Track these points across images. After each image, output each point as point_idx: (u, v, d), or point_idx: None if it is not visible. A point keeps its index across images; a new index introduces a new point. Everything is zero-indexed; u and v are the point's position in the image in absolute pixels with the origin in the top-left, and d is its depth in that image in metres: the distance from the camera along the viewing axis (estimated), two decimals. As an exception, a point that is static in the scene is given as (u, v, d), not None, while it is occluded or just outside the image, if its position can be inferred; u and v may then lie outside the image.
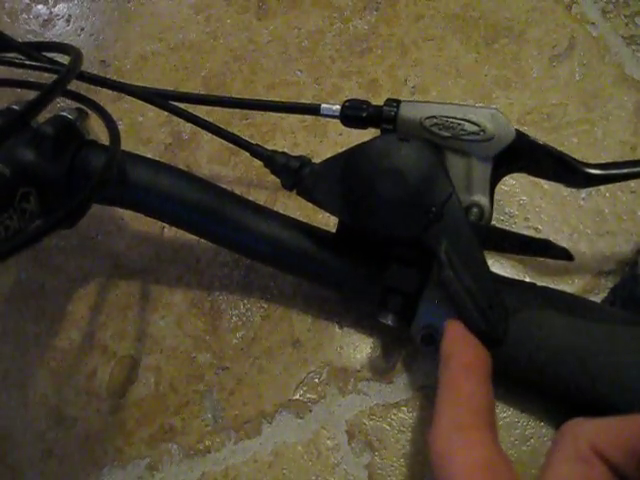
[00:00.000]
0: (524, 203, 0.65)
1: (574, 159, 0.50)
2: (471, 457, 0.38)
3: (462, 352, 0.44)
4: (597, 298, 0.60)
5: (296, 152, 0.56)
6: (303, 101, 0.72)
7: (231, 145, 0.59)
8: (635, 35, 0.74)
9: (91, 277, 0.68)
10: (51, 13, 0.88)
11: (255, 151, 0.57)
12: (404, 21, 0.79)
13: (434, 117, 0.49)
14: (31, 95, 0.45)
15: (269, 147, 0.57)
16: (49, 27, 0.87)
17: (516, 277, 0.61)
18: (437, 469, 0.39)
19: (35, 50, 0.62)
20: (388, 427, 0.58)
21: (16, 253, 0.43)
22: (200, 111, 0.62)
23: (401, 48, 0.77)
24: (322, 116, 0.56)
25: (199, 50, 0.81)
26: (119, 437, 0.61)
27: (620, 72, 0.72)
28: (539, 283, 0.52)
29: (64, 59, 0.54)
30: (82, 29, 0.86)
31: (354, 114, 0.54)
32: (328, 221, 0.64)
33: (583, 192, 0.65)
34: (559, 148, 0.50)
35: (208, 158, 0.73)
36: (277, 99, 0.66)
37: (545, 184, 0.65)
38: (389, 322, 0.51)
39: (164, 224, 0.67)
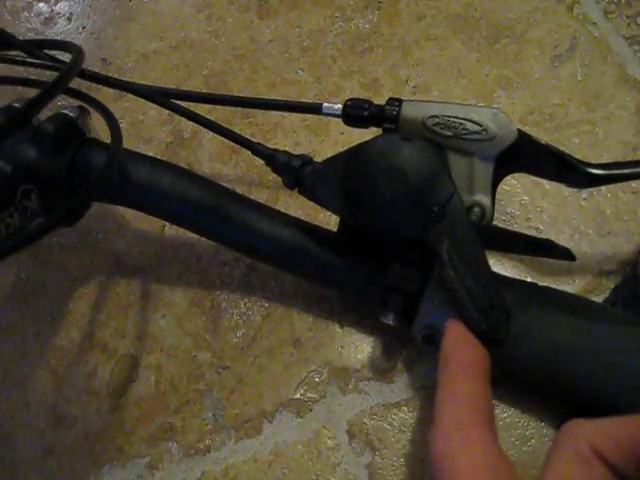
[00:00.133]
0: (525, 203, 0.65)
1: (576, 159, 0.50)
2: (472, 457, 0.38)
3: (461, 352, 0.44)
4: (598, 298, 0.60)
5: (297, 151, 0.56)
6: (305, 100, 0.72)
7: (232, 144, 0.59)
8: (637, 35, 0.74)
9: (91, 275, 0.68)
10: (52, 11, 0.88)
11: (257, 150, 0.57)
12: (406, 20, 0.79)
13: (436, 116, 0.49)
14: (32, 93, 0.45)
15: (270, 146, 0.57)
16: (50, 25, 0.87)
17: (517, 277, 0.61)
18: (438, 470, 0.39)
19: (36, 48, 0.62)
20: (389, 427, 0.58)
21: (17, 251, 0.43)
22: (201, 110, 0.62)
23: (403, 48, 0.77)
24: (324, 115, 0.56)
25: (200, 49, 0.81)
26: (119, 436, 0.61)
27: (622, 72, 0.72)
28: (540, 283, 0.52)
29: (66, 57, 0.54)
30: (83, 27, 0.86)
31: (356, 113, 0.54)
32: (329, 220, 0.64)
33: (584, 192, 0.65)
34: (561, 148, 0.50)
35: (209, 157, 0.73)
36: (278, 98, 0.66)
37: (546, 184, 0.65)
38: (390, 322, 0.51)
39: (165, 222, 0.67)
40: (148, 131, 0.76)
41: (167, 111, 0.62)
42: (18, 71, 0.69)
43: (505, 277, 0.53)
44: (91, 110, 0.59)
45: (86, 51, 0.53)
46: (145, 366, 0.63)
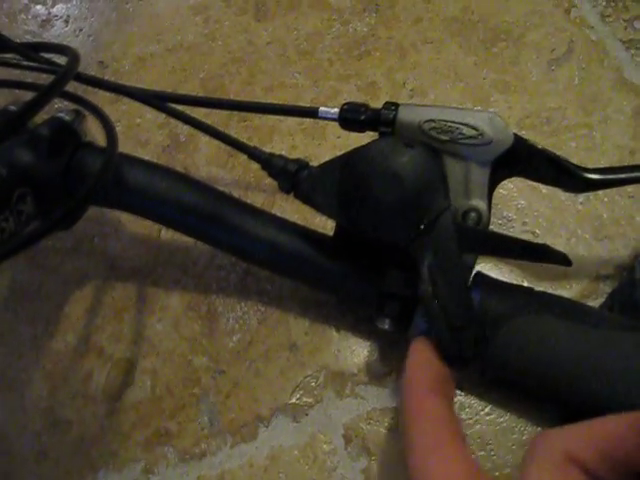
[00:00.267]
0: (522, 207, 0.65)
1: (573, 164, 0.50)
2: (450, 471, 0.38)
3: (424, 374, 0.44)
4: (595, 303, 0.60)
5: (294, 155, 0.56)
6: (301, 104, 0.72)
7: (229, 147, 0.58)
8: (634, 39, 0.74)
9: (87, 279, 0.68)
10: (49, 14, 0.88)
11: (253, 154, 0.57)
12: (403, 24, 0.79)
13: (432, 121, 0.49)
14: (28, 96, 0.45)
15: (267, 150, 0.57)
16: (47, 28, 0.87)
17: (514, 281, 0.60)
18: None
19: (32, 51, 0.62)
20: (385, 431, 0.57)
21: (12, 255, 0.43)
22: (198, 113, 0.62)
23: (400, 51, 0.77)
24: (320, 119, 0.56)
25: (197, 52, 0.81)
26: (115, 440, 0.61)
27: (619, 76, 0.72)
28: (537, 288, 0.52)
29: (62, 60, 0.54)
30: (80, 30, 0.86)
31: (352, 117, 0.54)
32: (326, 224, 0.64)
33: (581, 197, 0.65)
34: (558, 152, 0.50)
35: (206, 160, 0.73)
36: (275, 102, 0.66)
37: (543, 188, 0.65)
38: (386, 327, 0.51)
39: (161, 226, 0.67)
40: (145, 134, 0.76)
41: (164, 114, 0.61)
42: (14, 74, 0.69)
43: (501, 282, 0.53)
44: (87, 113, 0.59)
45: (83, 54, 0.53)
46: (141, 370, 0.63)
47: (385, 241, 0.48)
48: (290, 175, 0.54)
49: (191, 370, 0.62)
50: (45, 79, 0.50)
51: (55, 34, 0.86)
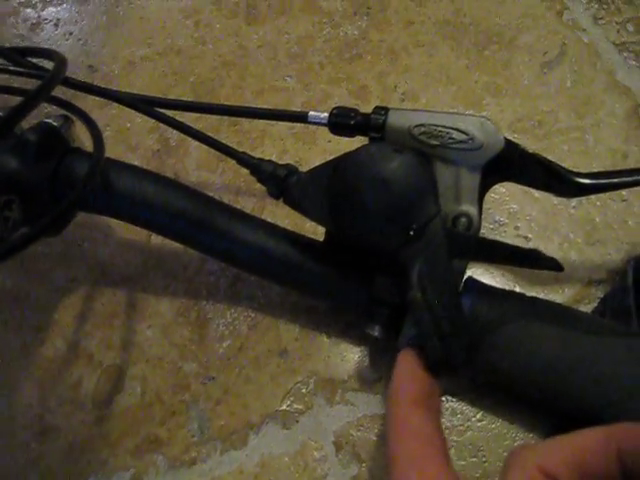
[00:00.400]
0: (514, 211, 0.65)
1: (564, 168, 0.50)
2: None
3: (410, 388, 0.44)
4: (587, 308, 0.60)
5: (285, 159, 0.56)
6: (291, 108, 0.72)
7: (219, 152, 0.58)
8: (627, 42, 0.74)
9: (77, 285, 0.67)
10: (39, 17, 0.88)
11: (242, 159, 0.56)
12: (394, 27, 0.79)
13: (422, 125, 0.49)
14: (15, 101, 0.44)
15: (258, 154, 0.56)
16: (37, 31, 0.87)
17: (506, 286, 0.60)
18: None
19: (20, 55, 0.61)
20: (376, 438, 0.57)
21: (0, 262, 0.42)
22: (188, 117, 0.62)
23: (391, 54, 0.77)
24: (310, 124, 0.56)
25: (188, 55, 0.81)
26: (104, 448, 0.60)
27: (611, 79, 0.72)
28: (529, 292, 0.52)
29: (51, 65, 0.53)
30: (70, 33, 0.85)
31: (342, 122, 0.53)
32: (316, 229, 0.63)
33: (574, 201, 0.65)
34: (550, 156, 0.50)
35: (196, 165, 0.72)
36: (266, 105, 0.66)
37: (535, 192, 0.64)
38: (375, 333, 0.50)
39: (151, 232, 0.66)
40: (134, 139, 0.75)
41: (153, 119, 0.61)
42: (2, 79, 0.68)
43: (493, 288, 0.53)
44: (75, 119, 0.58)
45: (72, 58, 0.53)
46: (131, 377, 0.63)
47: (375, 247, 0.48)
48: (279, 180, 0.53)
49: (181, 376, 0.62)
50: (34, 84, 0.49)
51: (45, 37, 0.86)
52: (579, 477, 0.34)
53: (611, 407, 0.45)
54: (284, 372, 0.61)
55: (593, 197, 0.64)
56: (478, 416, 0.56)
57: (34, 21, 0.87)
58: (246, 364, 0.61)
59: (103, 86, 0.63)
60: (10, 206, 0.52)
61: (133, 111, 0.60)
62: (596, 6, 0.77)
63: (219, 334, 0.63)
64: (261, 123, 0.73)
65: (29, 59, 0.62)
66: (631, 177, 0.50)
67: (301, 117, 0.56)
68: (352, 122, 0.53)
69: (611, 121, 0.69)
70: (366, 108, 0.53)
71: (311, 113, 0.55)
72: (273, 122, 0.73)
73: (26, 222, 0.54)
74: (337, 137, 0.55)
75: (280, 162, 0.55)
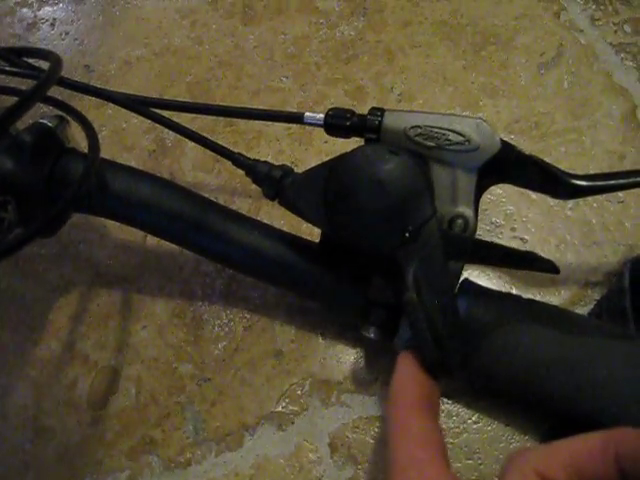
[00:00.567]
0: (511, 213, 0.65)
1: (560, 170, 0.49)
2: None
3: (410, 390, 0.44)
4: (584, 309, 0.59)
5: (281, 160, 0.56)
6: (287, 109, 0.72)
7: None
8: (624, 43, 0.74)
9: (72, 286, 0.67)
10: (36, 17, 0.88)
11: (237, 160, 0.56)
12: (391, 27, 0.79)
13: (418, 127, 0.49)
14: (10, 101, 0.44)
15: (254, 155, 0.56)
16: (33, 31, 0.86)
17: (502, 288, 0.60)
18: None
19: (15, 55, 0.61)
20: (371, 440, 0.57)
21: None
22: (184, 118, 0.61)
23: (388, 55, 0.77)
24: (306, 125, 0.56)
25: (184, 55, 0.80)
26: (99, 449, 0.60)
27: (609, 80, 0.72)
28: (525, 294, 0.52)
29: (47, 65, 0.53)
30: (66, 33, 0.85)
31: (338, 123, 0.53)
32: (312, 230, 0.63)
33: (570, 202, 0.64)
34: (547, 157, 0.49)
35: (192, 165, 0.72)
36: (262, 106, 0.65)
37: (532, 194, 0.64)
38: (372, 335, 0.50)
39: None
40: (130, 139, 0.75)
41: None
42: (-2, 79, 0.68)
43: (489, 289, 0.53)
44: (70, 119, 0.58)
45: (69, 57, 0.53)
46: (126, 378, 0.63)
47: (371, 249, 0.47)
48: (274, 182, 0.53)
49: (176, 378, 0.62)
50: (29, 84, 0.49)
51: (41, 37, 0.86)
52: None
53: (607, 410, 0.45)
54: (279, 373, 0.61)
55: (590, 199, 0.64)
56: (474, 418, 0.56)
57: (30, 21, 0.87)
58: (241, 365, 0.61)
59: (99, 86, 0.63)
60: (5, 207, 0.52)
61: (129, 111, 0.60)
62: (593, 7, 0.77)
63: (214, 335, 0.63)
64: (257, 124, 0.73)
65: (25, 59, 0.62)
66: (628, 179, 0.50)
67: (297, 118, 0.56)
68: (348, 123, 0.53)
69: (608, 122, 0.69)
70: (362, 109, 0.53)
71: (307, 114, 0.55)
72: (269, 123, 0.72)
73: (21, 223, 0.54)
74: (333, 138, 0.55)
75: (276, 163, 0.55)
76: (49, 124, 0.56)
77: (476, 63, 0.75)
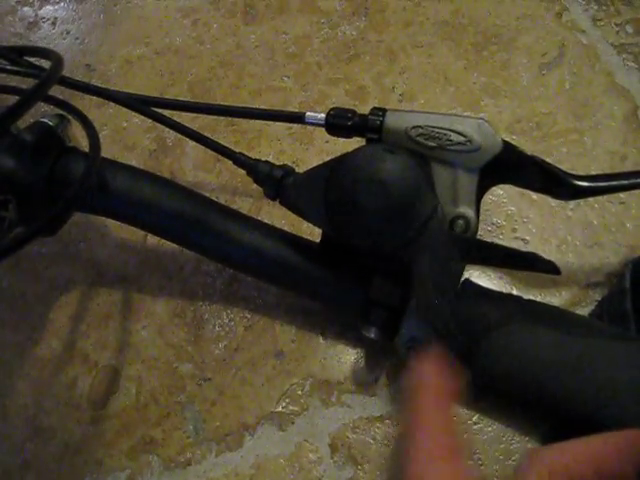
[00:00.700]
0: (512, 213, 0.65)
1: (562, 171, 0.49)
2: None
3: (432, 383, 0.44)
4: (585, 310, 0.59)
5: (282, 159, 0.56)
6: (288, 109, 0.72)
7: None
8: (626, 43, 0.74)
9: (73, 285, 0.67)
10: (37, 16, 0.87)
11: (238, 160, 0.56)
12: (393, 27, 0.79)
13: (420, 127, 0.49)
14: (11, 100, 0.44)
15: (255, 154, 0.56)
16: (34, 30, 0.86)
17: (503, 289, 0.60)
18: None
19: (17, 54, 0.61)
20: (371, 441, 0.57)
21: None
22: (185, 117, 0.61)
23: (389, 55, 0.77)
24: (307, 124, 0.56)
25: (185, 55, 0.80)
26: (99, 448, 0.60)
27: (610, 81, 0.72)
28: (526, 295, 0.52)
29: (48, 64, 0.53)
30: (68, 32, 0.85)
31: (339, 123, 0.53)
32: (313, 230, 0.63)
33: (572, 203, 0.64)
34: (548, 158, 0.49)
35: (193, 165, 0.72)
36: (263, 106, 0.65)
37: (533, 194, 0.64)
38: (372, 336, 0.50)
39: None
40: (131, 138, 0.75)
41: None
42: (-1, 77, 0.68)
43: (490, 290, 0.53)
44: (71, 118, 0.58)
45: (70, 56, 0.53)
46: (126, 377, 0.62)
47: (374, 248, 0.47)
48: (275, 181, 0.53)
49: (176, 377, 0.62)
50: (30, 83, 0.49)
51: (42, 36, 0.86)
52: None
53: (608, 411, 0.45)
54: (280, 373, 0.61)
55: (591, 200, 0.64)
56: (474, 419, 0.56)
57: (31, 20, 0.87)
58: (242, 365, 0.61)
59: (100, 85, 0.63)
60: (6, 206, 0.52)
61: (130, 111, 0.60)
62: (595, 7, 0.77)
63: (215, 335, 0.63)
64: (258, 123, 0.73)
65: (26, 58, 0.62)
66: (629, 180, 0.50)
67: (298, 118, 0.56)
68: (349, 123, 0.53)
69: (610, 123, 0.69)
70: (364, 109, 0.52)
71: (308, 114, 0.55)
72: (270, 122, 0.72)
73: (22, 222, 0.54)
74: (334, 138, 0.55)
75: (277, 163, 0.55)
76: (50, 123, 0.56)
77: (478, 63, 0.75)
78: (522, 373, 0.47)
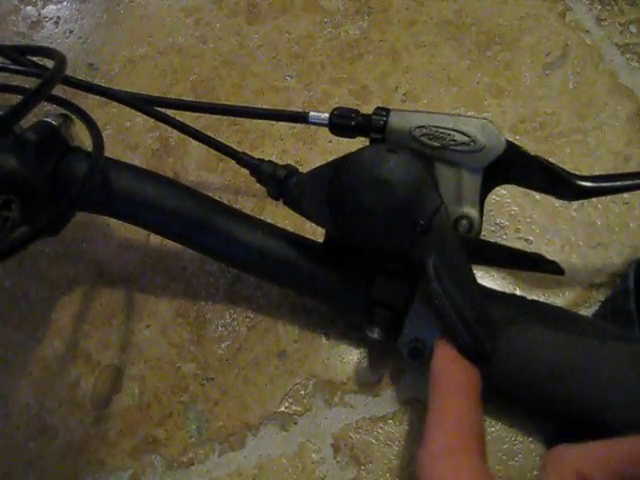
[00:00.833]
0: (515, 214, 0.64)
1: (566, 171, 0.49)
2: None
3: (452, 374, 0.44)
4: (588, 311, 0.59)
5: (285, 159, 0.56)
6: (291, 108, 0.72)
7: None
8: (630, 43, 0.74)
9: (75, 285, 0.67)
10: (40, 15, 0.87)
11: (241, 160, 0.56)
12: (396, 27, 0.79)
13: (424, 127, 0.48)
14: (15, 100, 0.44)
15: (258, 154, 0.56)
16: (37, 29, 0.86)
17: (506, 289, 0.60)
18: None
19: (20, 54, 0.61)
20: (374, 441, 0.57)
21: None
22: (188, 116, 0.61)
23: (393, 54, 0.76)
24: (310, 124, 0.56)
25: (188, 54, 0.80)
26: (102, 448, 0.60)
27: (614, 81, 0.72)
28: (530, 295, 0.52)
29: (51, 63, 0.53)
30: (71, 31, 0.85)
31: (342, 123, 0.53)
32: (316, 230, 0.63)
33: (575, 203, 0.64)
34: (552, 158, 0.49)
35: (196, 164, 0.72)
36: (266, 105, 0.65)
37: (537, 195, 0.64)
38: (375, 336, 0.50)
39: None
40: (134, 138, 0.75)
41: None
42: (1, 77, 0.68)
43: (493, 290, 0.53)
44: (75, 117, 0.58)
45: (73, 56, 0.53)
46: (129, 377, 0.62)
47: (381, 248, 0.47)
48: (279, 181, 0.53)
49: (179, 377, 0.62)
50: (33, 83, 0.49)
51: (45, 35, 0.86)
52: None
53: (611, 412, 0.45)
54: (283, 373, 0.61)
55: (595, 200, 0.64)
56: (477, 419, 0.56)
57: (34, 19, 0.87)
58: (245, 365, 0.61)
59: (103, 85, 0.63)
60: (9, 206, 0.51)
61: (133, 110, 0.60)
62: (599, 7, 0.77)
63: (218, 335, 0.63)
64: (261, 123, 0.73)
65: (29, 57, 0.62)
66: (633, 180, 0.50)
67: (302, 117, 0.56)
68: (353, 123, 0.52)
69: (613, 123, 0.69)
70: (367, 109, 0.52)
71: (312, 113, 0.55)
72: (273, 122, 0.72)
73: (25, 222, 0.54)
74: (337, 138, 0.55)
75: (280, 162, 0.55)
76: (53, 123, 0.56)
77: (481, 63, 0.75)
78: (525, 373, 0.47)
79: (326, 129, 0.55)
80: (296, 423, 0.59)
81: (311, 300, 0.61)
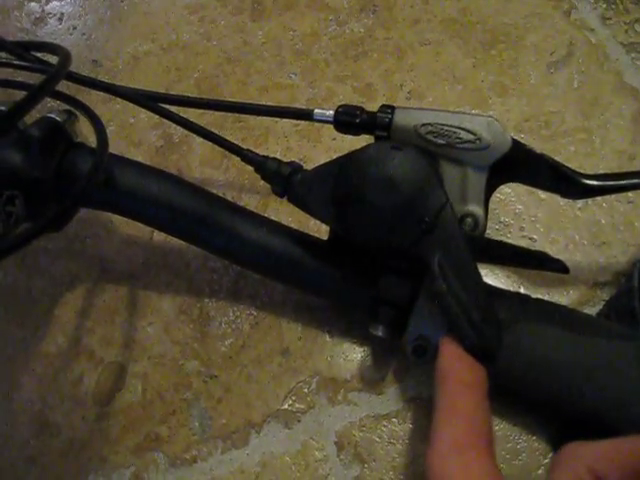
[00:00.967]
0: (520, 212, 0.64)
1: (571, 169, 0.49)
2: (469, 479, 0.37)
3: (459, 371, 0.43)
4: (592, 310, 0.59)
5: (289, 156, 0.56)
6: (296, 105, 0.71)
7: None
8: (635, 42, 0.74)
9: (78, 281, 0.67)
10: (43, 11, 0.87)
11: (246, 156, 0.56)
12: (401, 25, 0.78)
13: (429, 124, 0.48)
14: (19, 96, 0.44)
15: (262, 151, 0.56)
16: (41, 25, 0.86)
17: (511, 288, 0.60)
18: None
19: (24, 50, 0.61)
20: (378, 439, 0.57)
21: (1, 258, 0.42)
22: (192, 113, 0.61)
23: (397, 52, 0.76)
24: (315, 121, 0.55)
25: (192, 51, 0.80)
26: (104, 445, 0.60)
27: (619, 80, 0.71)
28: (534, 294, 0.52)
29: (55, 59, 0.53)
30: (74, 28, 0.85)
31: (347, 120, 0.53)
32: (320, 227, 0.63)
33: (580, 202, 0.64)
34: (556, 157, 0.49)
35: (200, 161, 0.72)
36: (270, 102, 0.65)
37: (541, 193, 0.64)
38: (379, 333, 0.50)
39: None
40: (138, 135, 0.75)
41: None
42: (5, 72, 0.68)
43: (497, 289, 0.52)
44: (79, 114, 0.58)
45: (76, 52, 0.53)
46: (132, 374, 0.62)
47: (386, 245, 0.47)
48: (283, 178, 0.53)
49: (182, 374, 0.62)
50: (37, 78, 0.49)
51: (49, 32, 0.85)
52: None
53: (615, 411, 0.45)
54: (286, 371, 0.60)
55: (599, 199, 0.64)
56: (481, 418, 0.56)
57: (38, 15, 0.87)
58: (248, 363, 0.61)
59: (107, 81, 0.63)
60: (13, 201, 0.51)
61: (137, 107, 0.60)
62: (604, 6, 0.77)
63: (221, 332, 0.63)
64: (265, 120, 0.73)
65: (33, 53, 0.61)
66: (638, 179, 0.50)
67: (306, 114, 0.56)
68: (358, 120, 0.52)
69: (618, 122, 0.69)
70: (371, 106, 0.52)
71: (317, 111, 0.55)
72: (277, 119, 0.72)
73: (29, 217, 0.54)
74: (342, 135, 0.55)
75: (284, 159, 0.55)
76: (57, 119, 0.56)
77: (486, 61, 0.74)
78: (529, 372, 0.47)
79: (330, 126, 0.55)
80: (299, 421, 0.59)
81: (315, 298, 0.61)
